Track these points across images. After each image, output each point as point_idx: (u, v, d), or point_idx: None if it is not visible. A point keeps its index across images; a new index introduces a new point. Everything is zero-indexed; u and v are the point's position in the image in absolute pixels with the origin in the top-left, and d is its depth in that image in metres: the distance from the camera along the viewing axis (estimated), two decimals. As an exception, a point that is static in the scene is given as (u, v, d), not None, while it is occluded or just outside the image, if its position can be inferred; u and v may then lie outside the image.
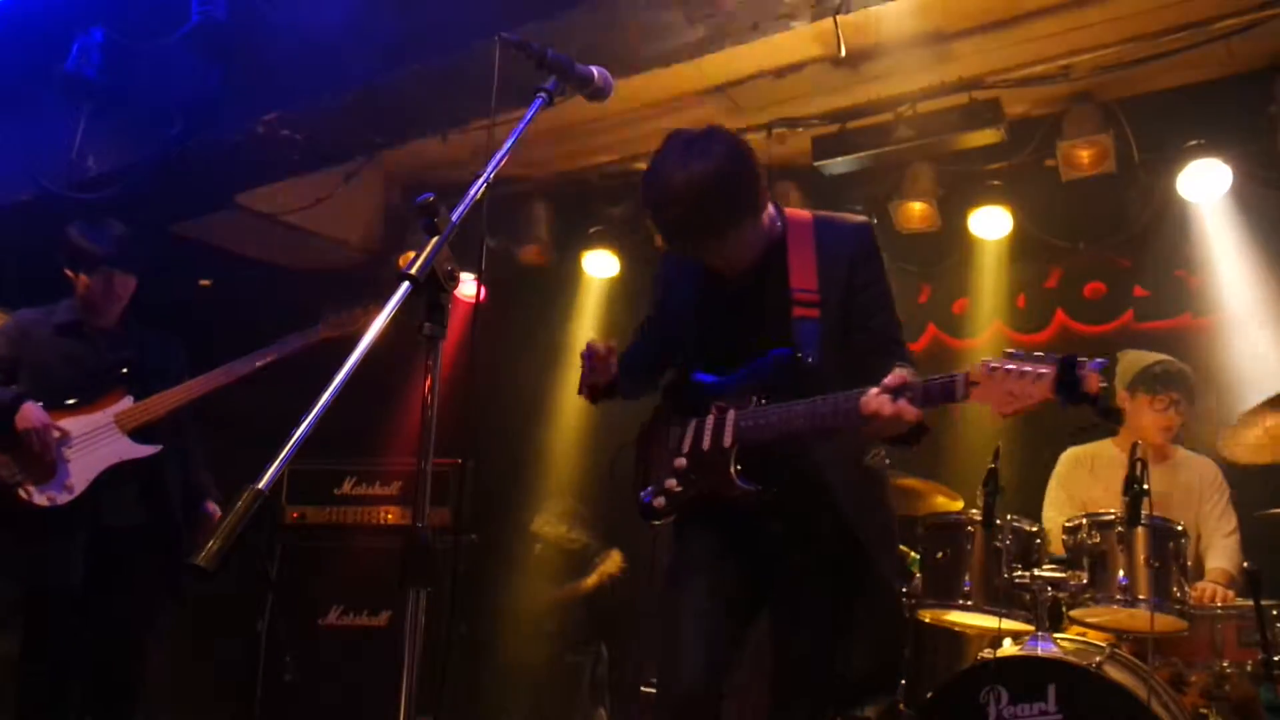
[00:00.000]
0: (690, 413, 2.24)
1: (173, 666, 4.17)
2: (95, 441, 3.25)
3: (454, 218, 1.51)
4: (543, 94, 1.86)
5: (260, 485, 1.17)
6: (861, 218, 2.31)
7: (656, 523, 2.24)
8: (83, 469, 3.21)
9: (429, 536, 1.46)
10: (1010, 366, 1.84)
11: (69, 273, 3.38)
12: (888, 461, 2.40)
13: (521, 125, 1.76)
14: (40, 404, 3.21)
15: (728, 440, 2.14)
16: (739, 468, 2.13)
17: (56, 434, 3.19)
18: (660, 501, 2.22)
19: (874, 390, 1.92)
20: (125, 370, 3.38)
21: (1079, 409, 1.81)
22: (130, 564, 3.28)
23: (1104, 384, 1.78)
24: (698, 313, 2.29)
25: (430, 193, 1.51)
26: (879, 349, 2.15)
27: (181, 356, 3.56)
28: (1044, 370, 1.79)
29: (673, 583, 2.26)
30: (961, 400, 1.90)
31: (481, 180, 1.62)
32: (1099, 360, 1.80)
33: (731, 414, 2.16)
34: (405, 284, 1.41)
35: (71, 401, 3.29)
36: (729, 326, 2.24)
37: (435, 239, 1.46)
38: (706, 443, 2.17)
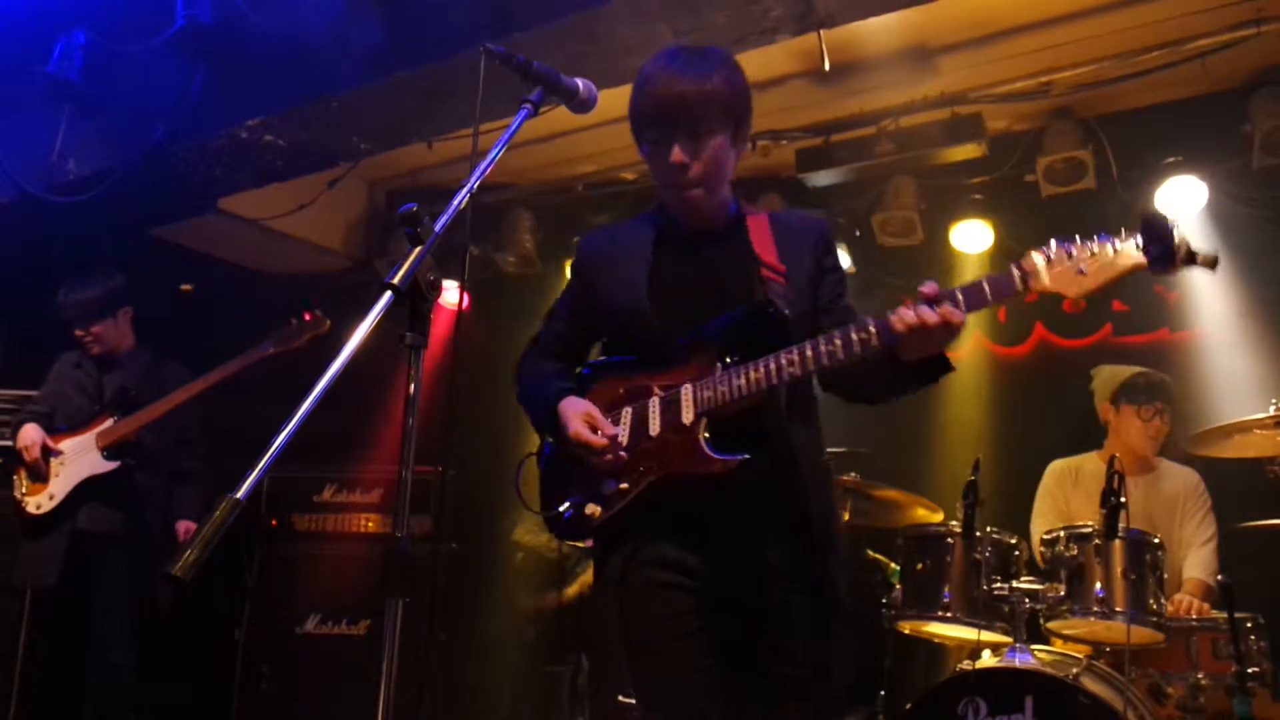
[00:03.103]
0: (624, 404, 1.98)
1: (149, 674, 4.12)
2: (78, 458, 3.70)
3: (437, 228, 1.50)
4: (528, 105, 1.85)
5: (238, 494, 1.16)
6: (818, 214, 2.21)
7: (580, 544, 2.00)
8: (64, 481, 3.67)
9: (409, 545, 1.45)
10: (1071, 248, 1.70)
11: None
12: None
13: (506, 136, 1.76)
14: (39, 426, 3.73)
15: (687, 415, 1.87)
16: (707, 436, 1.85)
17: (49, 452, 3.67)
18: (596, 510, 1.91)
19: (903, 306, 1.72)
20: (113, 395, 3.81)
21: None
22: (101, 567, 3.63)
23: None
24: (652, 285, 2.01)
25: (413, 202, 1.51)
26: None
27: (175, 377, 3.86)
28: (1122, 239, 1.65)
29: (643, 652, 1.88)
30: (1022, 292, 1.74)
31: (464, 191, 1.62)
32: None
33: (687, 387, 1.90)
34: (387, 294, 1.40)
35: (76, 423, 3.78)
36: (688, 298, 2.00)
37: (418, 249, 1.46)
38: (655, 426, 1.91)
